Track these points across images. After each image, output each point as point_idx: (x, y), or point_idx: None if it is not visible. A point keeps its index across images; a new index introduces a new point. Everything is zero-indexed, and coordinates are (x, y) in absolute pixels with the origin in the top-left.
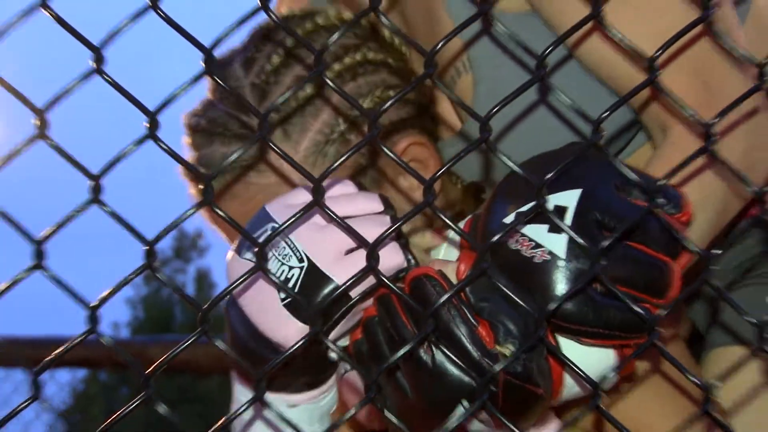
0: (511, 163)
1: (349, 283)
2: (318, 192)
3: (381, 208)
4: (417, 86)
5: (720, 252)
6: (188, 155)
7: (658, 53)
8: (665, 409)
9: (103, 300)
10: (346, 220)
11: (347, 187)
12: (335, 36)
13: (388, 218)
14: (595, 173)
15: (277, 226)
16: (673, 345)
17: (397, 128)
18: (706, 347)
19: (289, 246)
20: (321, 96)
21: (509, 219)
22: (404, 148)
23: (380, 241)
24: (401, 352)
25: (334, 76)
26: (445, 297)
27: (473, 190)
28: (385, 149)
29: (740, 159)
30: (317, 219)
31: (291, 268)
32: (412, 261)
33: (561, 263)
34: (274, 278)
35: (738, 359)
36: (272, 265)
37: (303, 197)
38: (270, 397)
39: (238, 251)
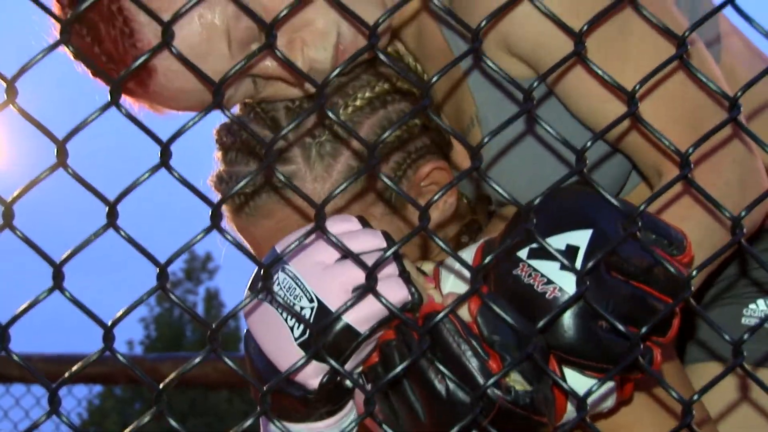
0: (497, 187)
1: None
2: (319, 217)
3: (384, 244)
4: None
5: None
6: (220, 168)
7: (637, 86)
8: (654, 419)
9: (118, 320)
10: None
11: (351, 224)
12: (336, 70)
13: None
14: (604, 214)
15: (287, 267)
16: (669, 364)
17: (422, 154)
18: (685, 362)
19: (299, 286)
20: (353, 121)
21: (522, 253)
22: (428, 172)
23: (377, 267)
24: (393, 372)
25: (364, 103)
26: (437, 319)
27: (483, 204)
28: (382, 176)
29: (737, 188)
30: (324, 257)
31: (302, 308)
32: (416, 294)
33: (566, 298)
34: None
35: (714, 375)
36: (282, 308)
37: (313, 237)
38: (294, 428)
39: (252, 289)
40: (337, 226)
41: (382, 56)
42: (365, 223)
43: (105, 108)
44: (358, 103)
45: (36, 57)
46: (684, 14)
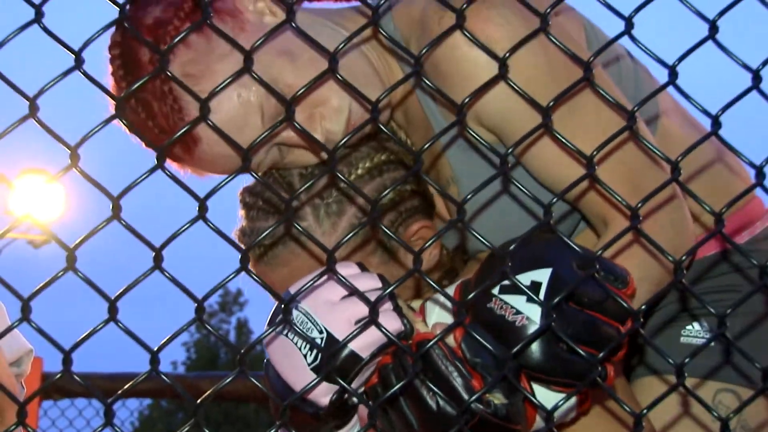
0: (480, 237)
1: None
2: (330, 260)
3: (380, 285)
4: (424, 184)
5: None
6: (243, 223)
7: (595, 152)
8: (607, 428)
9: (163, 346)
10: (352, 296)
11: (353, 269)
12: (344, 139)
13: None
14: (561, 255)
15: (300, 305)
16: (618, 380)
17: (411, 214)
18: (632, 377)
19: (310, 320)
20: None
21: (494, 290)
22: (416, 230)
23: (378, 304)
24: (392, 391)
25: (364, 172)
26: (429, 346)
27: (460, 254)
28: (382, 226)
29: (669, 231)
30: (330, 296)
31: (314, 338)
32: (408, 325)
33: (535, 326)
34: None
35: (654, 388)
36: (297, 338)
37: (321, 279)
38: None
39: (271, 323)
40: (341, 270)
41: (382, 128)
42: (364, 268)
43: (153, 170)
44: (359, 171)
45: (94, 129)
46: (627, 91)
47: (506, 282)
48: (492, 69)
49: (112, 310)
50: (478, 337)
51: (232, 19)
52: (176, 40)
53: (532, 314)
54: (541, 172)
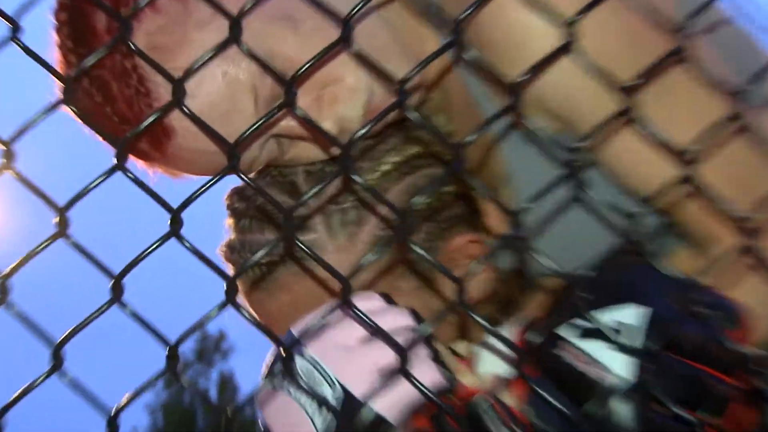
0: (544, 259)
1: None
2: (346, 288)
3: (411, 323)
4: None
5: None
6: (231, 236)
7: (695, 147)
8: None
9: (122, 407)
10: (374, 339)
11: (374, 302)
12: (362, 130)
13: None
14: (654, 286)
15: (305, 351)
16: None
17: (452, 225)
18: None
19: (319, 372)
20: (379, 187)
21: (564, 331)
22: (460, 244)
23: (409, 348)
24: None
25: (391, 169)
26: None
27: (518, 279)
28: (413, 245)
29: None
30: (345, 339)
31: (324, 395)
32: (450, 377)
33: (615, 381)
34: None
35: None
36: (303, 395)
37: (333, 316)
38: None
39: (269, 377)
40: (359, 304)
41: (412, 113)
42: (390, 299)
43: (111, 172)
44: (384, 168)
45: (35, 117)
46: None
47: (582, 322)
48: (553, 37)
49: (57, 358)
50: (545, 395)
51: None
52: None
53: (616, 365)
54: (622, 172)
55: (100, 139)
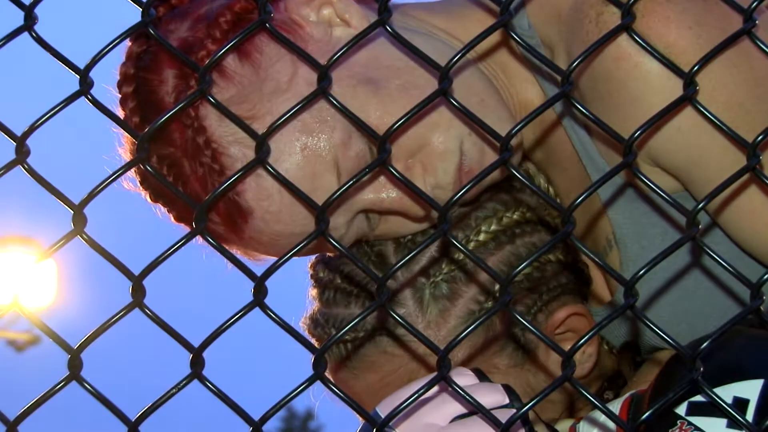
0: (657, 329)
1: None
2: (444, 365)
3: (506, 400)
4: (574, 252)
5: None
6: (315, 308)
7: None
8: None
9: None
10: (470, 418)
11: (465, 378)
12: (461, 191)
13: (514, 412)
14: None
15: (393, 430)
16: None
17: (556, 296)
18: None
19: None
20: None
21: (680, 408)
22: (563, 318)
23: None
24: None
25: (489, 238)
26: None
27: (629, 353)
28: (517, 315)
29: None
30: (436, 418)
31: None
32: None
33: None
34: None
35: None
36: None
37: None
38: None
39: None
40: (455, 380)
41: (515, 172)
42: (483, 376)
43: (190, 237)
44: (481, 237)
45: (105, 182)
46: None
47: (697, 398)
48: (673, 88)
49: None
50: None
51: (288, 35)
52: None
53: None
54: (747, 235)
55: (172, 220)
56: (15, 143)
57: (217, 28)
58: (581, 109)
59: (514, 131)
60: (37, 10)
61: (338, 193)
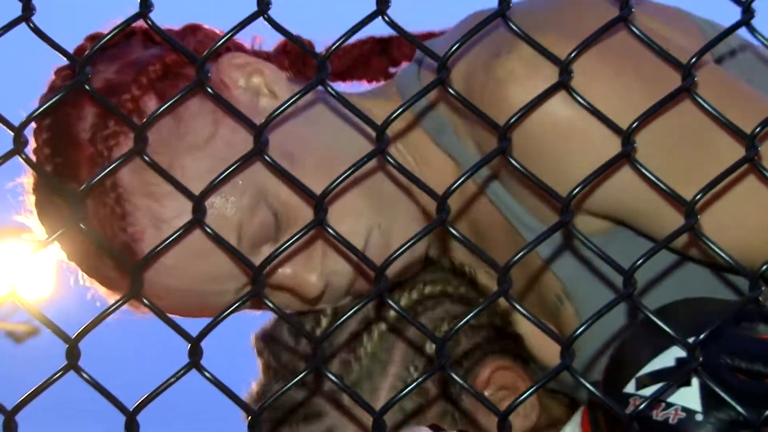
0: (591, 388)
1: None
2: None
3: None
4: (487, 309)
5: None
6: (259, 381)
7: None
8: None
9: None
10: None
11: None
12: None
13: None
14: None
15: None
16: None
17: (474, 357)
18: None
19: None
20: (396, 333)
21: (631, 389)
22: (488, 376)
23: None
24: None
25: (394, 321)
26: None
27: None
28: (454, 376)
29: None
30: None
31: None
32: None
33: (699, 417)
34: None
35: None
36: None
37: None
38: None
39: None
40: None
41: (456, 234)
42: (440, 430)
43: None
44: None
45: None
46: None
47: (642, 372)
48: (610, 146)
49: (131, 427)
50: None
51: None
52: (152, 116)
53: (689, 402)
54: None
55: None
56: (13, 133)
57: (145, 76)
58: (517, 166)
59: (418, 237)
60: (35, 1)
61: (280, 250)
